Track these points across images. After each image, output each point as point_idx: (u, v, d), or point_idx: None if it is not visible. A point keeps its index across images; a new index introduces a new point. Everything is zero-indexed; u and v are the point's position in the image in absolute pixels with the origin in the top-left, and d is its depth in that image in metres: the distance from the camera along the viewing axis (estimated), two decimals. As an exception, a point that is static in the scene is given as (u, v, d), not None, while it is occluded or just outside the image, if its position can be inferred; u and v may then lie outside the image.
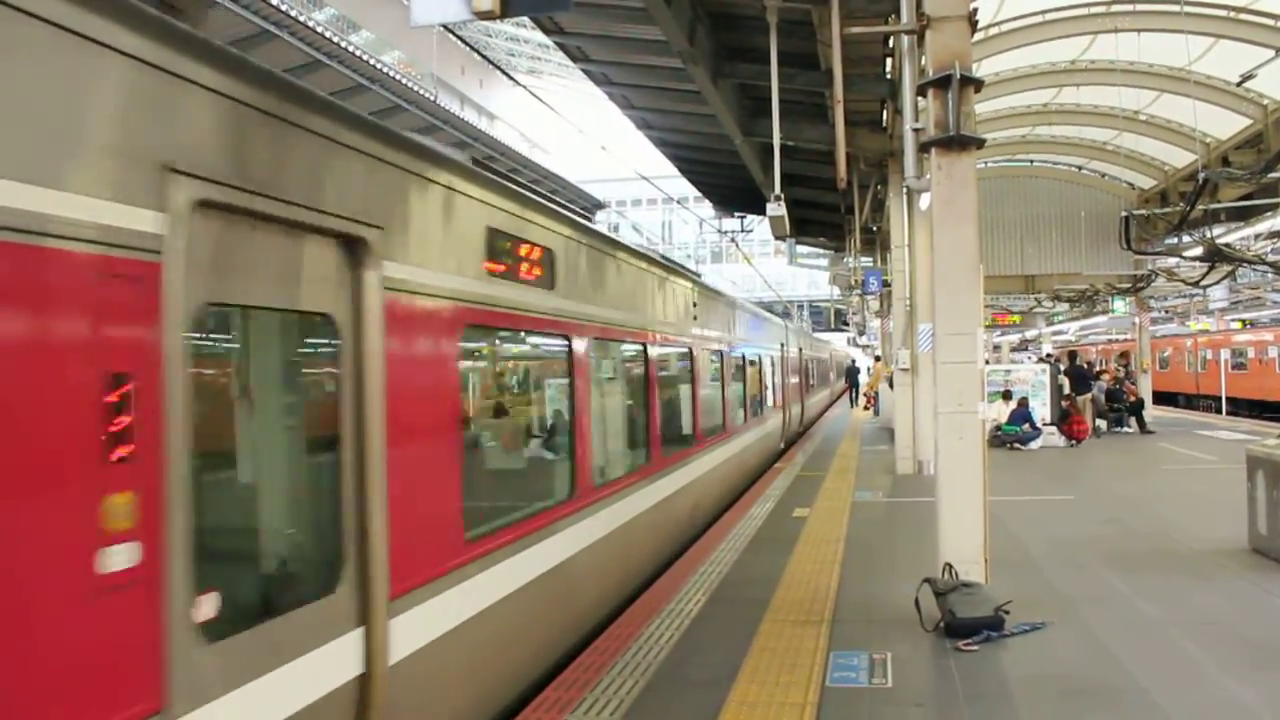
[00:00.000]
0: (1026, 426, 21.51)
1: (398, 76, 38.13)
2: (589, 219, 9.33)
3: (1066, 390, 24.14)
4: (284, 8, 30.19)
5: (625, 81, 19.37)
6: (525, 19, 26.09)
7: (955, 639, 7.03)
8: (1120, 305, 31.58)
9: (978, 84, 7.92)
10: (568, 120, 20.50)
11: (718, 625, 7.67)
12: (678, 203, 33.37)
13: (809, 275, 57.13)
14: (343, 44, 34.14)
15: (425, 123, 36.26)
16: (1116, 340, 51.29)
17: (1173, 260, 25.46)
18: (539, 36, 45.02)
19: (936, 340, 8.01)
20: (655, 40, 14.74)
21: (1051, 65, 19.12)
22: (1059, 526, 11.84)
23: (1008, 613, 7.25)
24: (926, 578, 7.63)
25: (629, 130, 23.63)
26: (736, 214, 36.62)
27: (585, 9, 14.31)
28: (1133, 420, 24.96)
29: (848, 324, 54.42)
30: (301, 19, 31.78)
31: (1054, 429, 22.34)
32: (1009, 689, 6.11)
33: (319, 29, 33.60)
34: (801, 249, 44.05)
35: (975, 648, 6.89)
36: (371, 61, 35.74)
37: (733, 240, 38.48)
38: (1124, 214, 22.76)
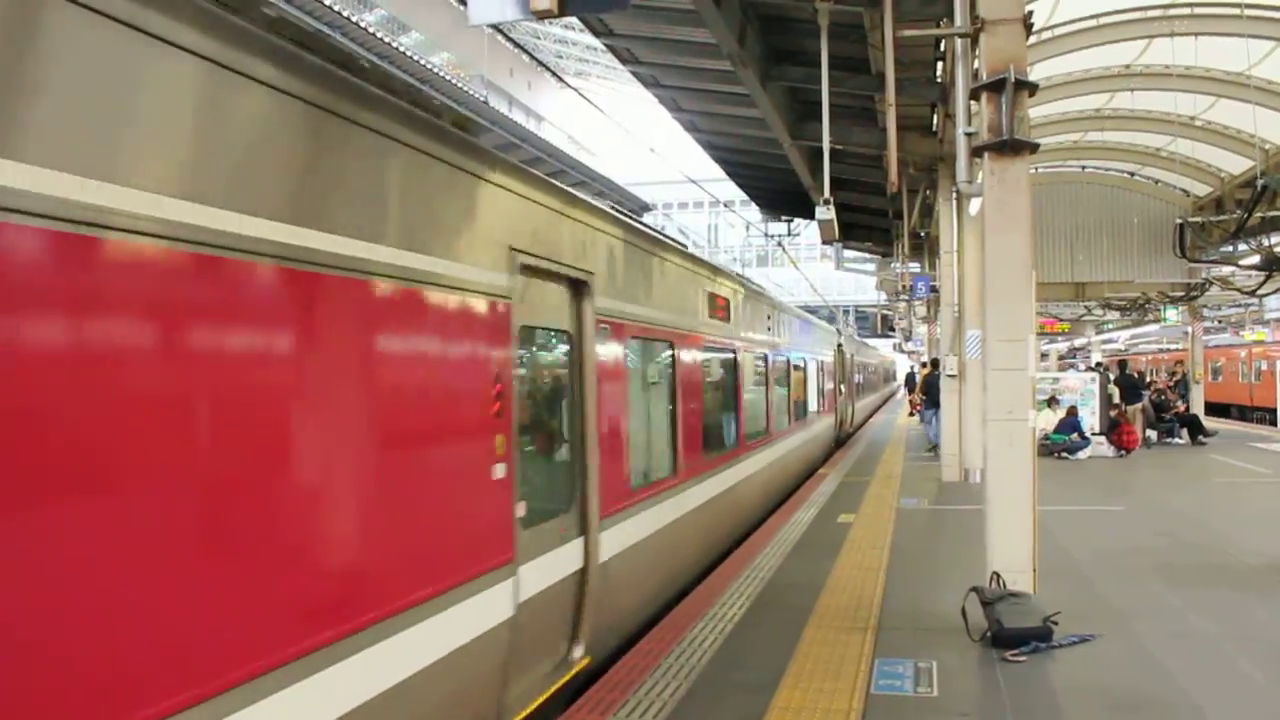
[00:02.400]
0: (1075, 436, 21.24)
1: (448, 77, 38.38)
2: (640, 223, 9.77)
3: (1116, 400, 23.80)
4: (336, 8, 30.51)
5: (674, 84, 19.33)
6: (574, 20, 26.17)
7: (1002, 649, 6.93)
8: (1172, 314, 31.11)
9: (1032, 88, 7.82)
10: (615, 122, 20.52)
11: (761, 630, 7.64)
12: (724, 206, 33.28)
13: (855, 280, 56.75)
14: (394, 44, 34.43)
15: (476, 124, 36.44)
16: (1168, 350, 50.53)
17: (1228, 269, 25.03)
18: (587, 39, 45.16)
19: (987, 347, 7.91)
20: (705, 43, 14.69)
21: (1105, 70, 18.86)
22: (1109, 538, 11.67)
23: (1056, 624, 7.14)
24: (973, 586, 7.54)
25: (676, 133, 23.61)
26: (783, 218, 36.46)
27: (635, 11, 14.29)
28: (1184, 431, 24.55)
29: (894, 330, 54.10)
30: (354, 20, 32.12)
31: (1103, 439, 22.04)
32: (1057, 702, 6.02)
33: (370, 29, 33.93)
34: (848, 253, 43.75)
35: (1023, 659, 6.79)
36: (421, 62, 36.02)
37: (779, 244, 38.33)
38: (1178, 221, 22.47)
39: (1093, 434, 21.99)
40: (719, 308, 11.89)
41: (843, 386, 27.56)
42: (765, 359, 14.80)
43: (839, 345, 26.59)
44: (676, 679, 6.43)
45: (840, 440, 26.09)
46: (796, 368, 18.10)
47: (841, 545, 11.09)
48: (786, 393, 17.04)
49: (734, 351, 12.53)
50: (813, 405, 20.43)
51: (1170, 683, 6.36)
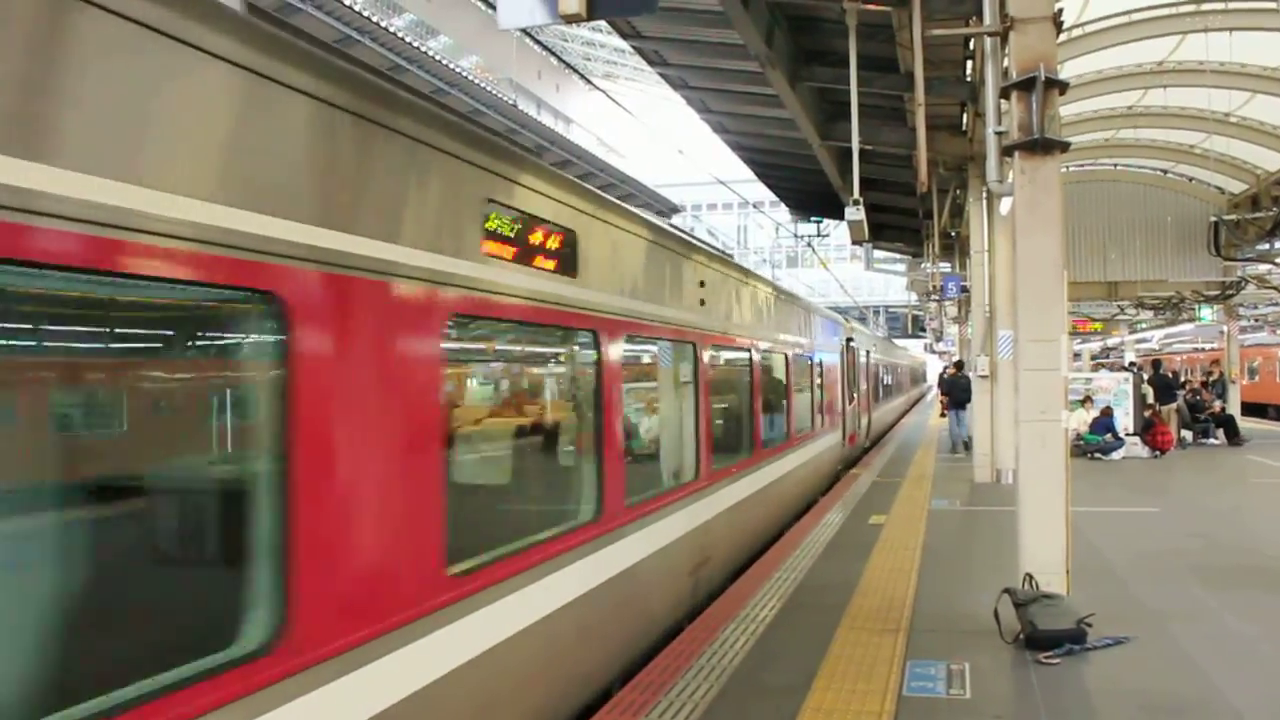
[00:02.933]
0: (1109, 436, 21.06)
1: (477, 80, 38.56)
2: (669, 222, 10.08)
3: (1150, 400, 23.57)
4: (365, 13, 30.74)
5: (702, 85, 19.32)
6: (602, 23, 26.20)
7: (1036, 651, 6.89)
8: (1207, 313, 30.77)
9: (1062, 86, 7.77)
10: (644, 124, 20.53)
11: (793, 631, 7.62)
12: (754, 207, 33.23)
13: (885, 280, 56.55)
14: (423, 49, 34.63)
15: (505, 126, 36.61)
16: (1203, 349, 49.98)
17: (1264, 266, 24.73)
18: (615, 41, 45.22)
19: (1019, 347, 7.86)
20: (733, 44, 14.68)
21: (1138, 66, 18.66)
22: (1143, 539, 11.57)
23: (1090, 625, 7.09)
24: (1006, 588, 7.49)
25: (705, 134, 23.60)
26: (813, 218, 36.37)
27: (663, 13, 14.29)
28: (1220, 431, 24.28)
29: (925, 330, 53.83)
30: (382, 24, 32.34)
31: (1137, 439, 21.83)
32: (1092, 704, 5.97)
33: (399, 34, 34.14)
34: (878, 254, 43.60)
35: (1057, 661, 6.75)
36: (451, 66, 36.20)
37: (809, 245, 38.24)
38: (1213, 219, 22.20)
39: (1127, 434, 21.79)
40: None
41: (854, 392, 23.13)
42: (693, 356, 9.51)
43: (848, 341, 22.19)
44: (708, 680, 6.43)
45: (851, 460, 21.90)
46: (767, 369, 12.97)
47: (873, 546, 11.05)
48: (746, 407, 11.93)
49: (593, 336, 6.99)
50: (802, 421, 15.15)
51: (1207, 685, 6.29)
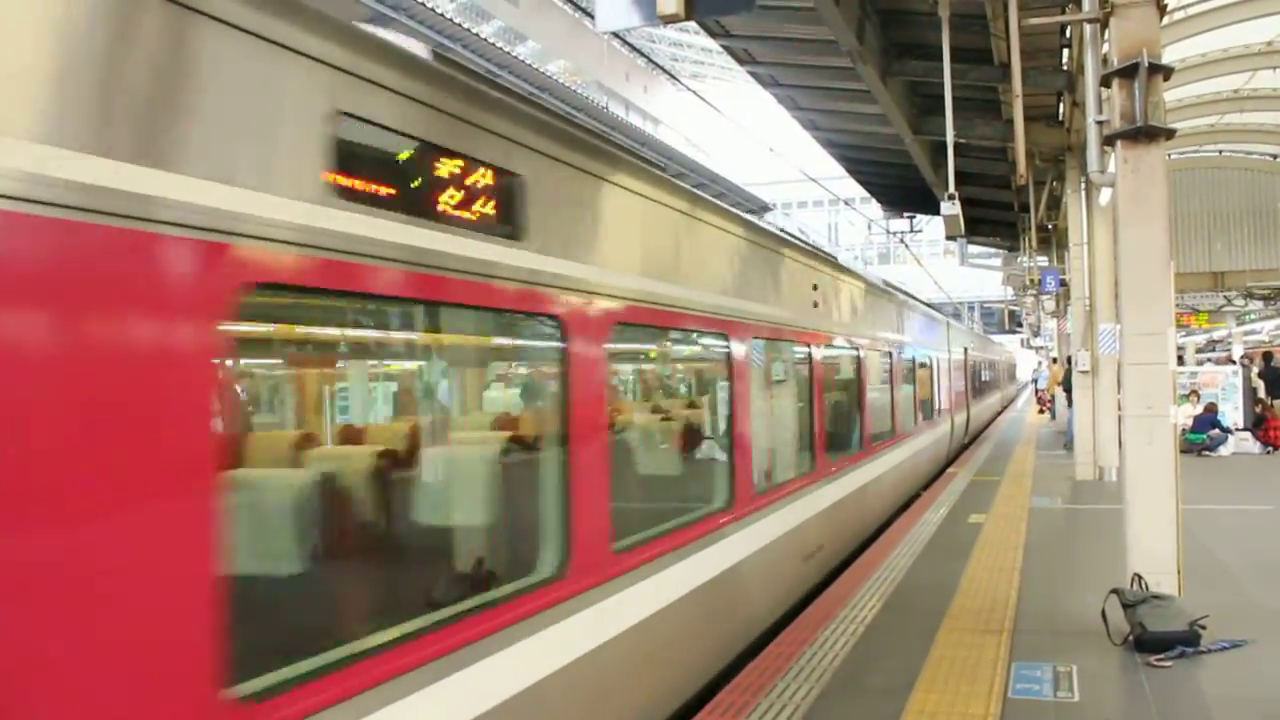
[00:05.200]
0: (1214, 431, 20.38)
1: (568, 84, 38.91)
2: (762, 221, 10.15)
3: (1261, 394, 22.76)
4: (456, 20, 31.26)
5: (792, 82, 19.22)
6: (689, 23, 26.24)
7: (1146, 654, 6.70)
8: (1322, 302, 29.64)
9: (1167, 71, 7.55)
10: (735, 123, 20.48)
11: (893, 633, 7.53)
12: (844, 203, 32.93)
13: (979, 276, 55.55)
14: (512, 54, 35.09)
15: (596, 129, 36.87)
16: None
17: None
18: (703, 40, 45.16)
19: (1124, 341, 7.66)
20: (823, 40, 14.58)
21: (1245, 48, 18.02)
22: (1258, 538, 11.18)
23: (1204, 628, 6.86)
24: (1114, 588, 7.30)
25: (794, 131, 23.46)
26: (905, 214, 35.93)
27: (753, 11, 14.27)
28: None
29: (1021, 325, 52.79)
30: (473, 31, 32.85)
31: (1247, 435, 21.09)
32: (1208, 710, 5.78)
33: (491, 40, 34.65)
34: (972, 249, 42.92)
35: (1169, 664, 6.55)
36: (540, 70, 36.59)
37: (901, 241, 37.76)
38: (1327, 204, 21.34)
39: (1236, 429, 21.07)
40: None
41: (952, 389, 21.83)
42: (809, 358, 9.73)
43: (947, 338, 21.49)
44: (809, 681, 6.39)
45: (951, 457, 20.98)
46: (871, 367, 12.62)
47: (973, 546, 10.87)
48: (854, 405, 12.05)
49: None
50: (906, 417, 15.34)
51: (1331, 690, 6.06)
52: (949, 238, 14.90)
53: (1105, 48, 8.31)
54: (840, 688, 6.28)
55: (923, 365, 17.73)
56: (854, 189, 32.58)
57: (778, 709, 5.88)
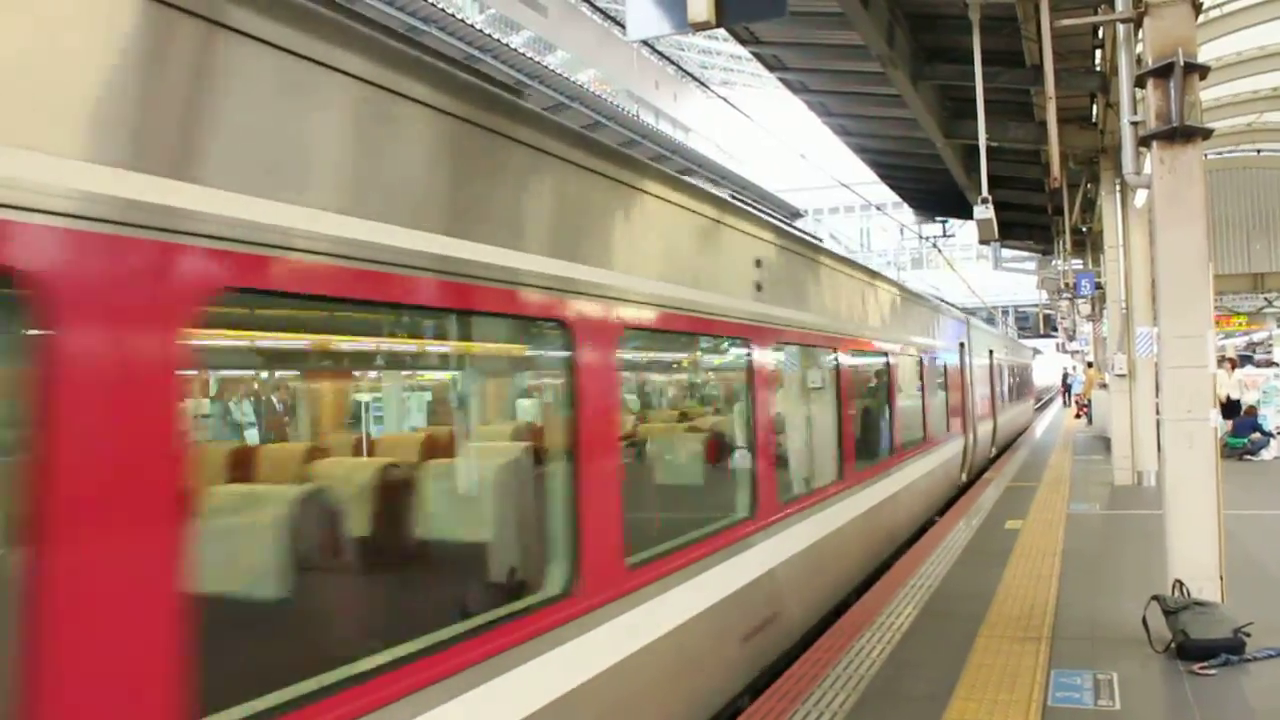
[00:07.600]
0: (1256, 435, 20.08)
1: (597, 93, 39.02)
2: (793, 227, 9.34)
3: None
4: (487, 31, 31.43)
5: (822, 88, 19.18)
6: (719, 30, 26.25)
7: (1189, 661, 6.60)
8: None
9: (1203, 71, 7.46)
10: (767, 130, 20.45)
11: (930, 640, 7.46)
12: (876, 209, 32.80)
13: (1013, 280, 55.12)
14: (543, 64, 35.23)
15: (625, 137, 36.94)
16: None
17: None
18: (732, 48, 45.20)
19: (1163, 344, 7.56)
20: (853, 45, 14.55)
21: (1282, 46, 17.81)
22: (1301, 543, 11.01)
23: (1249, 635, 6.74)
24: (1155, 595, 7.20)
25: (825, 137, 23.40)
26: (937, 218, 35.72)
27: (783, 16, 14.25)
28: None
29: (1056, 329, 52.33)
30: (504, 41, 33.02)
31: (1291, 438, 20.78)
32: None
33: (519, 50, 34.81)
34: (1006, 253, 42.59)
35: (1213, 672, 6.44)
36: (570, 79, 36.71)
37: (934, 245, 37.54)
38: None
39: (1278, 432, 20.76)
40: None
41: (977, 397, 19.79)
42: (835, 364, 9.53)
43: (966, 343, 19.18)
44: (846, 689, 6.34)
45: (979, 469, 19.28)
46: (900, 376, 12.34)
47: (1010, 552, 10.76)
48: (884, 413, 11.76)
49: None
50: (933, 427, 14.53)
51: (1379, 698, 5.94)
52: (983, 241, 14.76)
53: (1139, 48, 8.22)
54: (877, 695, 6.23)
55: (930, 371, 14.91)
56: (886, 194, 32.46)
57: (815, 716, 5.84)
